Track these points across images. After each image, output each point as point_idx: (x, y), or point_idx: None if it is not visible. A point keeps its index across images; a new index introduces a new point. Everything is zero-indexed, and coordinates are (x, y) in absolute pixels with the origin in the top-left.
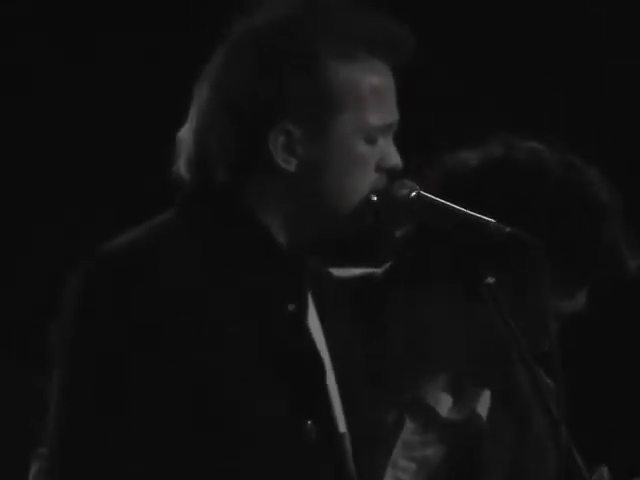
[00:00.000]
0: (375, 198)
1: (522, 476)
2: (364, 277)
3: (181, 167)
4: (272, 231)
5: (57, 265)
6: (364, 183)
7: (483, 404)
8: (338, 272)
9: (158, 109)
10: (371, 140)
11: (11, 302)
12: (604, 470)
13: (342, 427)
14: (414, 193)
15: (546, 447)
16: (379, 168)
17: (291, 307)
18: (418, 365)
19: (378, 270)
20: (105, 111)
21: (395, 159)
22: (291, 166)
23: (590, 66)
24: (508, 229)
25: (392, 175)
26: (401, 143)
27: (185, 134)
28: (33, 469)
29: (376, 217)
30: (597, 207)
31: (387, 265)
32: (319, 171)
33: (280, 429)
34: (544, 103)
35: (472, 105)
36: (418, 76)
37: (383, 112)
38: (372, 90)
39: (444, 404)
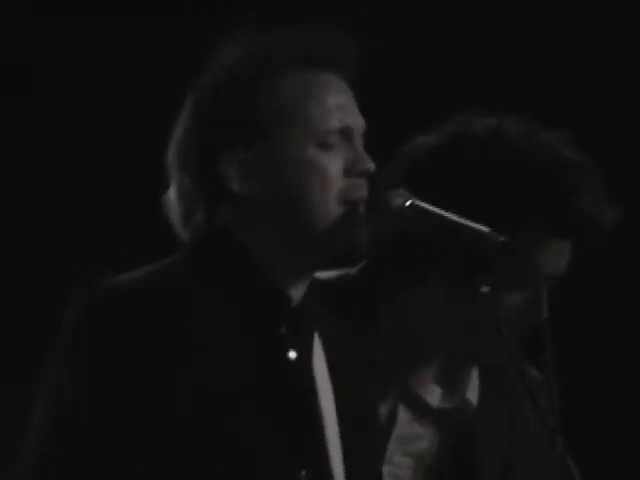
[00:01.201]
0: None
1: (518, 461)
2: (341, 277)
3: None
4: (265, 265)
5: (57, 265)
6: (325, 190)
7: (472, 390)
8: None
9: (158, 108)
10: (325, 145)
11: (11, 302)
12: None
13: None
14: (408, 202)
15: (539, 435)
16: (349, 173)
17: (292, 355)
18: (409, 360)
19: (352, 270)
20: (106, 112)
21: (364, 162)
22: (250, 190)
23: (587, 70)
24: (502, 238)
25: (367, 178)
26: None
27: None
28: None
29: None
30: (563, 166)
31: (362, 264)
32: (278, 187)
33: (275, 475)
34: (540, 106)
35: (467, 109)
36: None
37: (332, 117)
38: (315, 99)
39: (434, 394)
